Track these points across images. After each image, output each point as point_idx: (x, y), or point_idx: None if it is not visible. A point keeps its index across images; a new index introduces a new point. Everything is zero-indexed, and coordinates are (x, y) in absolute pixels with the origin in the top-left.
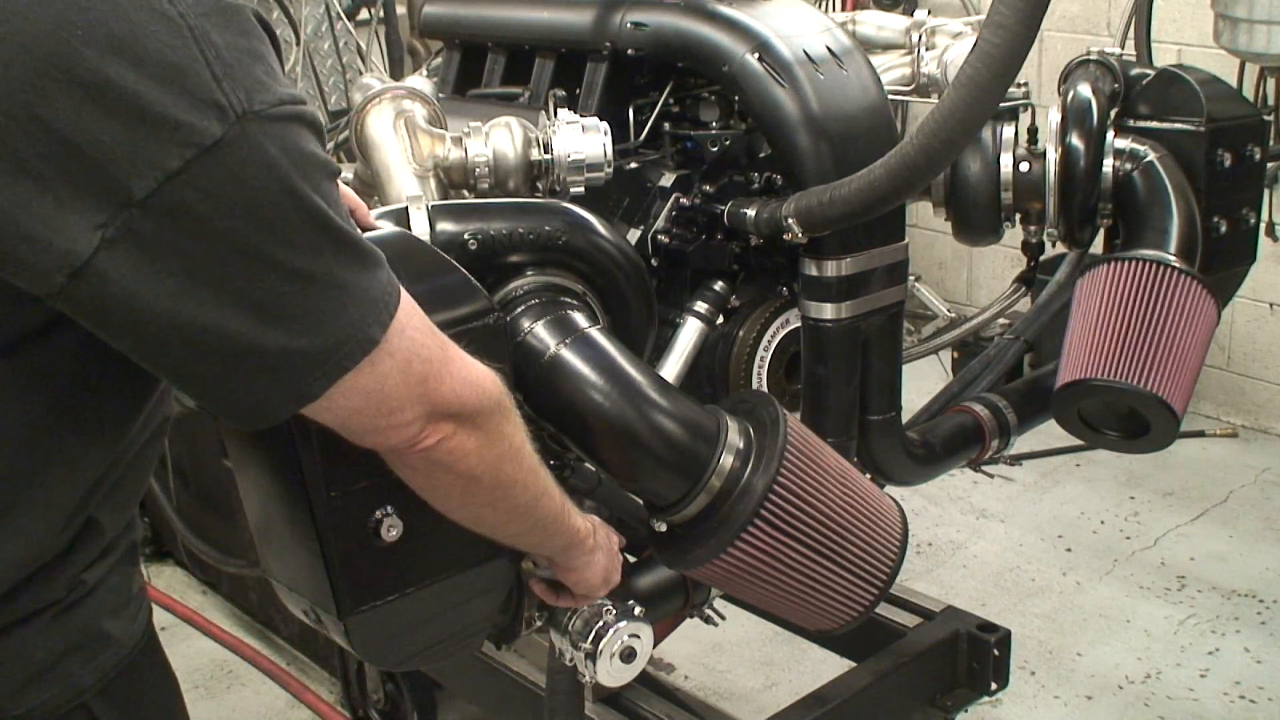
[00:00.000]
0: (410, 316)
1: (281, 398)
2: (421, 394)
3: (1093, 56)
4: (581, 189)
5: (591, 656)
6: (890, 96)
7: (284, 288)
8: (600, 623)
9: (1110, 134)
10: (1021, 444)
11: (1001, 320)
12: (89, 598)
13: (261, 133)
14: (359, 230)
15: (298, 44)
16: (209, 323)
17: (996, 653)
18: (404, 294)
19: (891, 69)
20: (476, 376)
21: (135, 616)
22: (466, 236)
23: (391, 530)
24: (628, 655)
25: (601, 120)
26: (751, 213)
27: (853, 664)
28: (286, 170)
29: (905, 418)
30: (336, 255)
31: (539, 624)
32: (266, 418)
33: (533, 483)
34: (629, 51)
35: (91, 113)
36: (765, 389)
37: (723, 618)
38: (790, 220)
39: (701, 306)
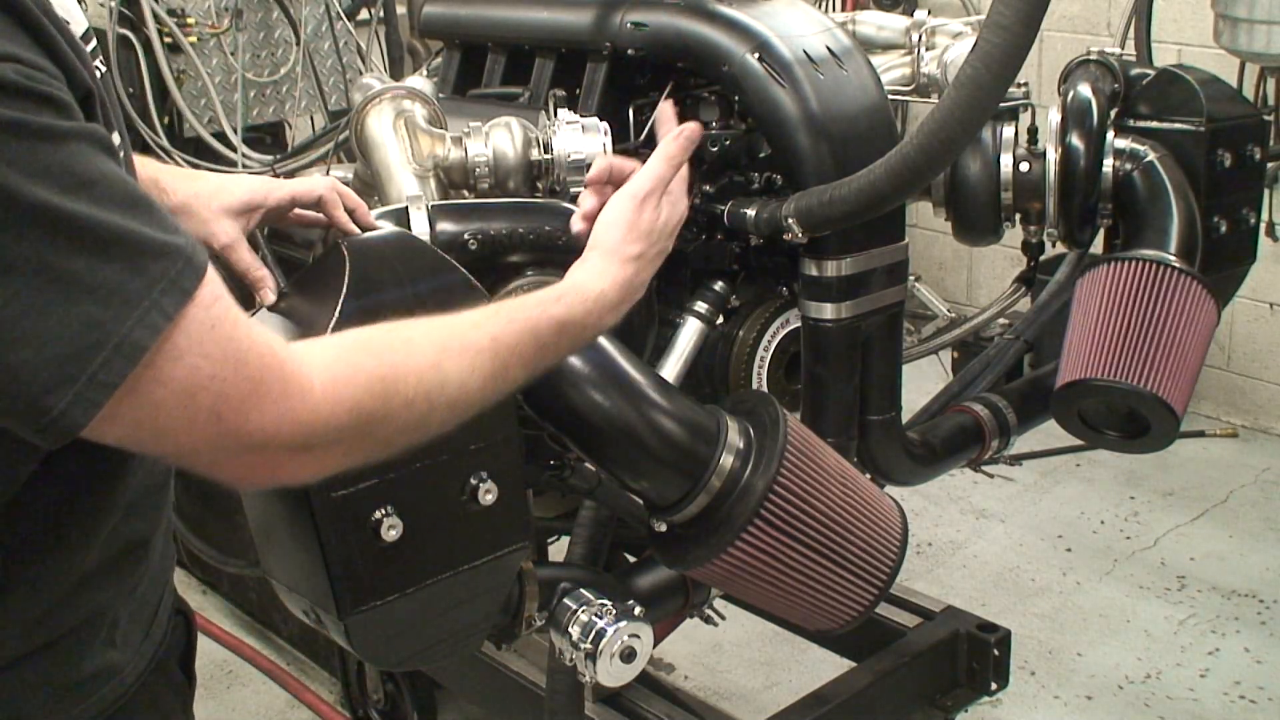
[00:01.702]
0: (199, 333)
1: (31, 426)
2: (217, 431)
3: (1093, 56)
4: (581, 189)
5: (591, 656)
6: (890, 96)
7: None
8: (600, 623)
9: (1110, 134)
10: (1021, 444)
11: (1001, 320)
12: None
13: None
14: (134, 207)
15: (298, 44)
16: None
17: (996, 653)
18: (205, 299)
19: (891, 69)
20: (309, 404)
21: (82, 701)
22: (466, 236)
23: (391, 530)
24: (628, 655)
25: (601, 120)
26: (751, 213)
27: (853, 664)
28: None
29: (905, 418)
30: (57, 241)
31: (539, 624)
32: (51, 437)
33: (470, 367)
34: (629, 51)
35: None
36: (765, 389)
37: (723, 618)
38: (790, 220)
39: (701, 306)
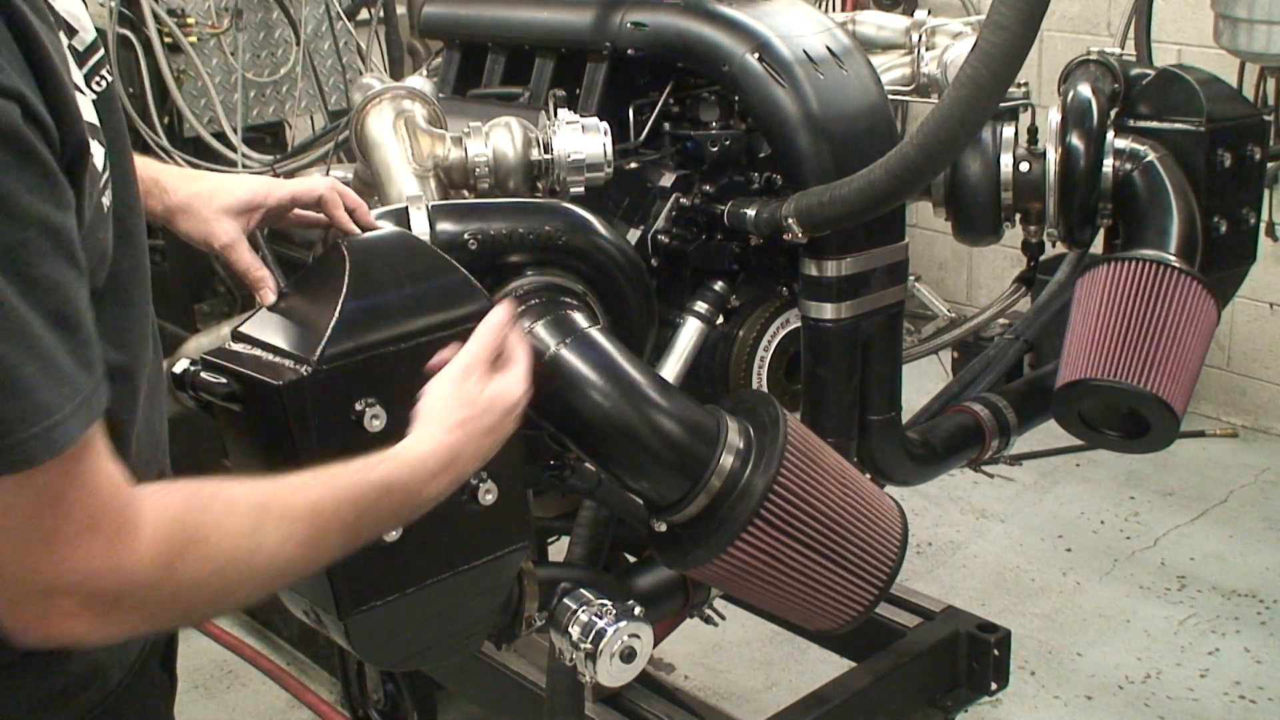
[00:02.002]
0: (71, 457)
1: None
2: (39, 561)
3: (1093, 56)
4: (581, 189)
5: (591, 656)
6: (890, 96)
7: None
8: (600, 623)
9: (1110, 134)
10: (1021, 444)
11: (1001, 320)
12: None
13: None
14: (60, 326)
15: (298, 44)
16: None
17: (996, 653)
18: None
19: (891, 69)
20: (133, 556)
21: (69, 704)
22: (466, 236)
23: (391, 530)
24: (628, 655)
25: (601, 120)
26: (751, 213)
27: (853, 664)
28: None
29: (905, 418)
30: None
31: (539, 624)
32: None
33: (304, 538)
34: (629, 51)
35: None
36: (765, 389)
37: (723, 618)
38: (790, 220)
39: (701, 306)
